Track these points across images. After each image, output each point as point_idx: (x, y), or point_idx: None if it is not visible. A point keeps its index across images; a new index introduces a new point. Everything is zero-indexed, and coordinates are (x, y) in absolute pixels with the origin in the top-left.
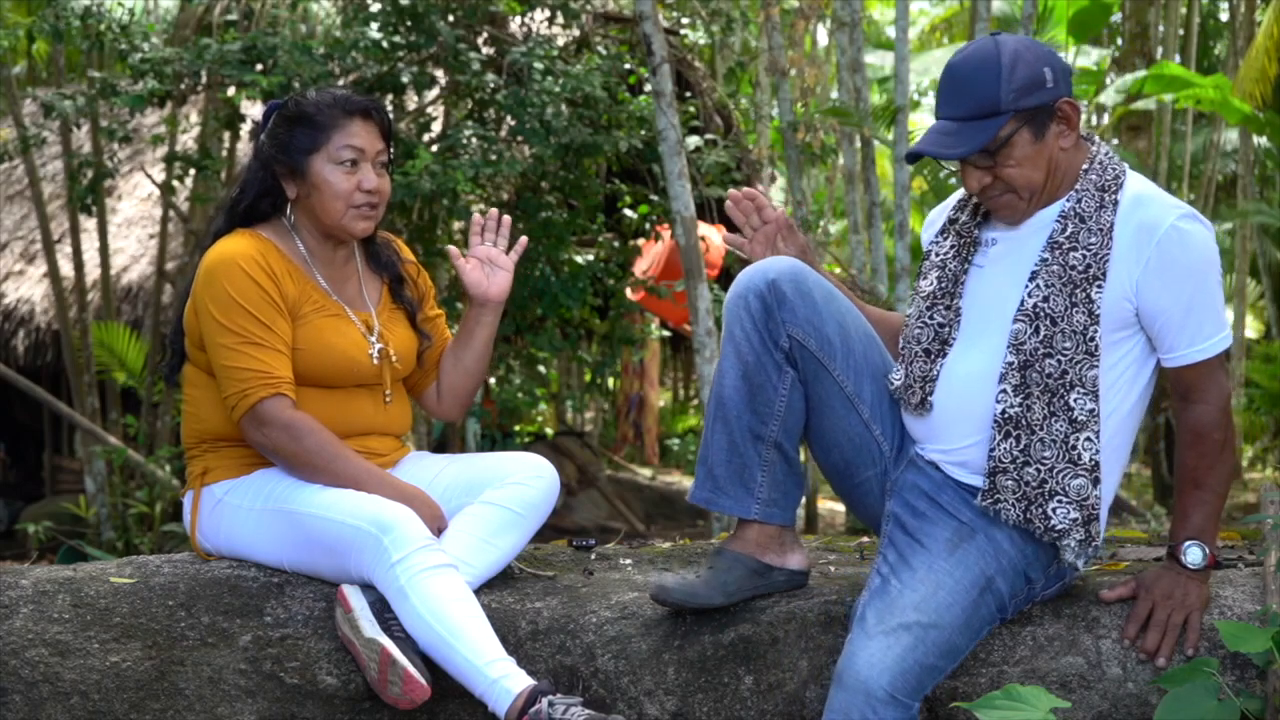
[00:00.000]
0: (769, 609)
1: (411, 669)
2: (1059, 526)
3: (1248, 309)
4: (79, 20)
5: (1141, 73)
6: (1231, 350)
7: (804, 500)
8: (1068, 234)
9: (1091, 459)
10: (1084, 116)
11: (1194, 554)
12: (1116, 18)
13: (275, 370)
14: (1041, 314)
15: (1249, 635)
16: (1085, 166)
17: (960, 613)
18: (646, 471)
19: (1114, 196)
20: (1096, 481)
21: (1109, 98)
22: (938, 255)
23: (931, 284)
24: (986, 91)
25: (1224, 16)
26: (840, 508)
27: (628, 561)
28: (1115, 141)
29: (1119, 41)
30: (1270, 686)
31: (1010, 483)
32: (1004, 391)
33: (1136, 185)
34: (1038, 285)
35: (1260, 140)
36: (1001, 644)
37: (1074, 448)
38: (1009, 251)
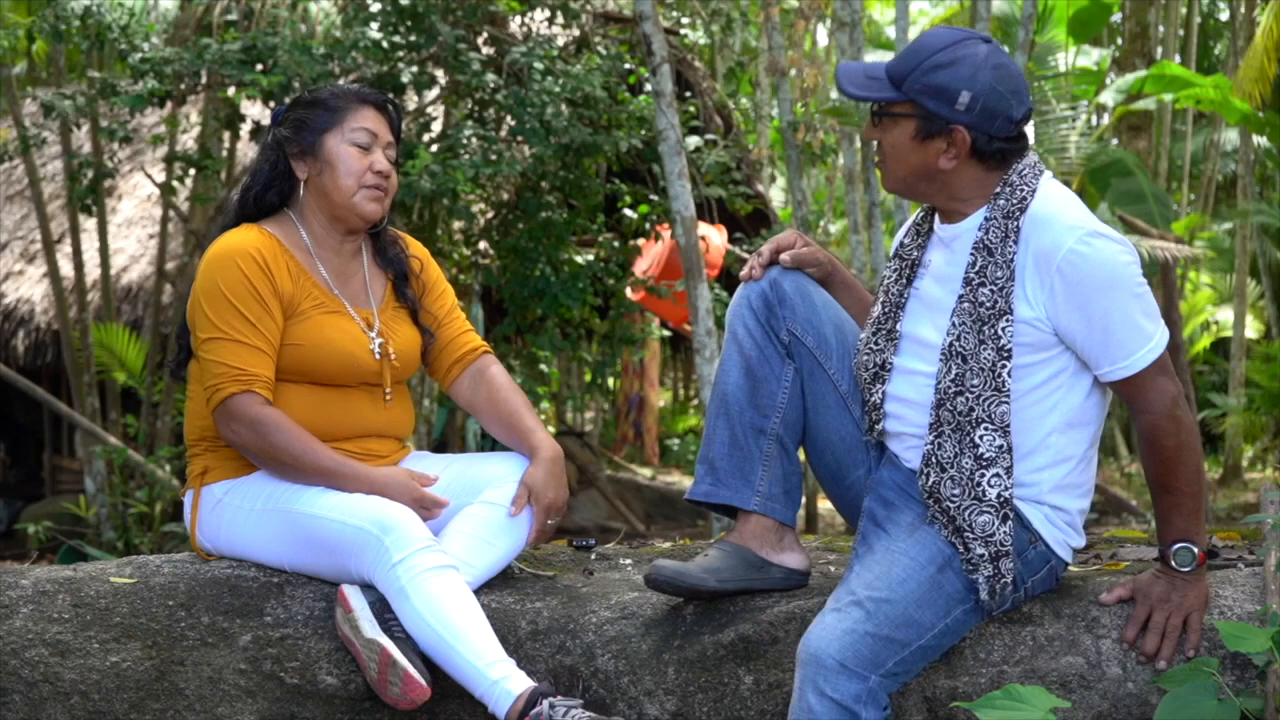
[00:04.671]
0: (769, 609)
1: (411, 669)
2: (970, 560)
3: (1248, 309)
4: (79, 20)
5: (1141, 73)
6: (1233, 349)
7: (804, 500)
8: (978, 269)
9: (999, 495)
10: (1084, 117)
11: (1183, 556)
12: (1116, 18)
13: (249, 368)
14: (954, 353)
15: (1249, 635)
16: (997, 189)
17: (916, 587)
18: (646, 471)
19: (1016, 224)
20: (1005, 519)
21: (1109, 98)
22: (885, 280)
23: (878, 309)
24: (904, 64)
25: (1224, 16)
26: None
27: (628, 561)
28: (1115, 142)
29: (1119, 41)
30: (1270, 686)
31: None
32: (924, 427)
33: (1040, 207)
34: (954, 323)
35: (1260, 140)
36: (1001, 644)
37: (979, 485)
38: (939, 276)
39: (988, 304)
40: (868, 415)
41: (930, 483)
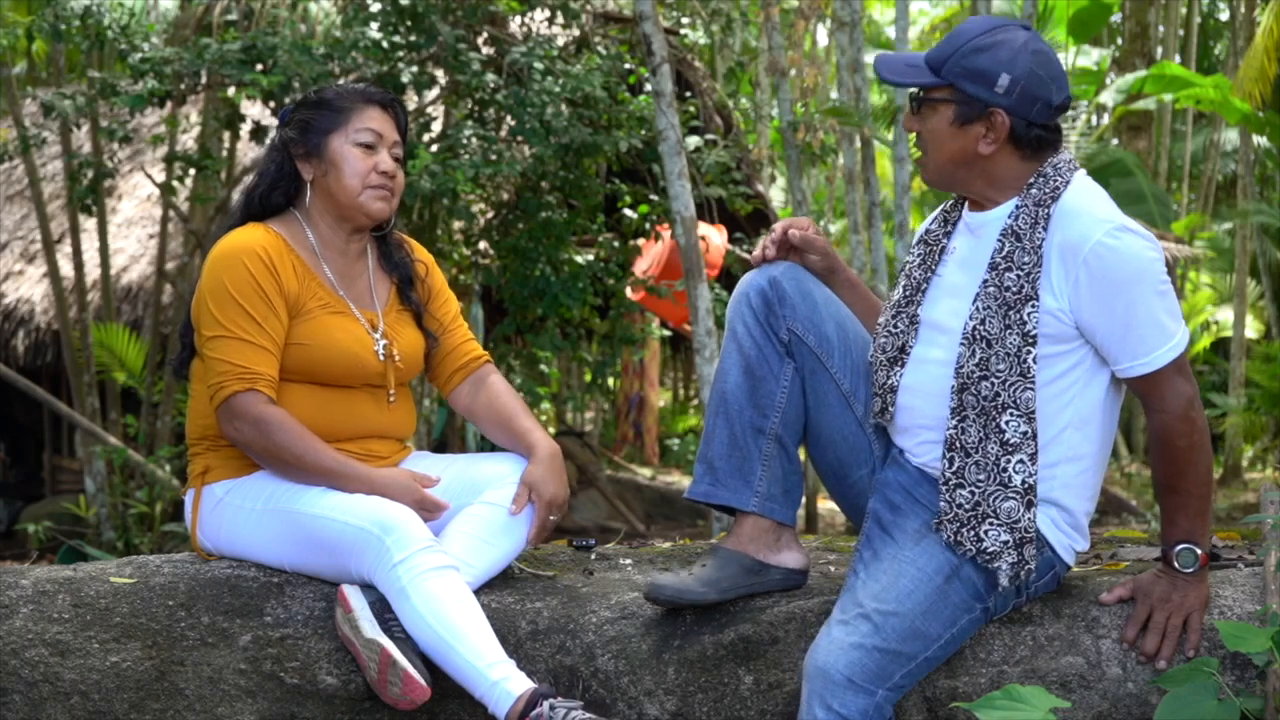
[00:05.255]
0: (769, 609)
1: (411, 670)
2: (990, 549)
3: (1248, 309)
4: (79, 20)
5: (1141, 73)
6: (1233, 349)
7: (804, 500)
8: (1005, 254)
9: (1024, 482)
10: (1084, 117)
11: (1186, 557)
12: (1116, 18)
13: (253, 366)
14: (979, 337)
15: (1249, 635)
16: (1031, 180)
17: (923, 599)
18: (646, 471)
19: (1047, 212)
20: (1030, 505)
21: (1109, 98)
22: (908, 264)
23: (898, 292)
24: (943, 50)
25: (1224, 16)
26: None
27: (628, 561)
28: (1115, 142)
29: (1119, 41)
30: (1270, 686)
31: (944, 504)
32: (947, 413)
33: (1071, 199)
34: (977, 308)
35: (1260, 140)
36: (1001, 644)
37: (1005, 470)
38: (963, 262)
39: (1014, 289)
40: (880, 398)
41: (955, 468)
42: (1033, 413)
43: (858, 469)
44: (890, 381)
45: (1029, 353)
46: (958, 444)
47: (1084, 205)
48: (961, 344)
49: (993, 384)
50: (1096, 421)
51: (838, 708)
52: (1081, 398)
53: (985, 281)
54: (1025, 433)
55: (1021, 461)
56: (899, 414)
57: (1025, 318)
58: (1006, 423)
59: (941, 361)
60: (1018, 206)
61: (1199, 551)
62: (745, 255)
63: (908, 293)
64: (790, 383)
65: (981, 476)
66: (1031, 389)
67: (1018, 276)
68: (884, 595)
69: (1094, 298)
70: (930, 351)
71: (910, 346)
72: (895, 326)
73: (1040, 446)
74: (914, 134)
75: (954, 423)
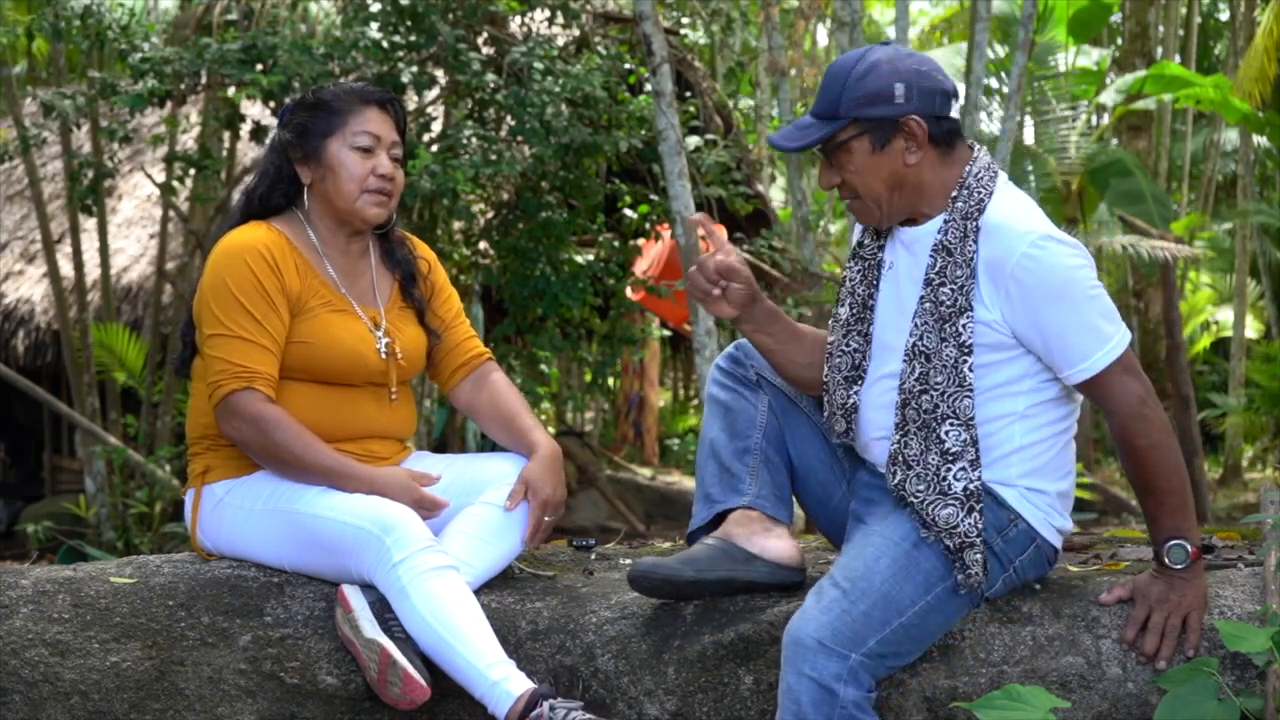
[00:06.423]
0: (769, 609)
1: (411, 670)
2: None
3: (1248, 309)
4: (79, 20)
5: (1141, 73)
6: (1233, 349)
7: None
8: (938, 269)
9: (965, 489)
10: (1084, 117)
11: (1176, 553)
12: (1116, 18)
13: (251, 365)
14: (918, 352)
15: (1249, 635)
16: (955, 193)
17: (890, 563)
18: (646, 471)
19: (975, 224)
20: (970, 510)
21: (1109, 98)
22: (849, 281)
23: (846, 310)
24: (831, 94)
25: (1224, 16)
26: None
27: (628, 561)
28: (1115, 142)
29: (1119, 41)
30: (1270, 686)
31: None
32: (892, 429)
33: (995, 212)
34: (916, 324)
35: (1260, 140)
36: (1001, 644)
37: (944, 479)
38: (902, 278)
39: (948, 303)
40: (841, 418)
41: (896, 481)
42: (972, 419)
43: (838, 489)
44: (850, 401)
45: (965, 362)
46: (900, 458)
47: (1007, 218)
48: (904, 360)
49: (932, 396)
50: (1048, 408)
51: (809, 671)
52: (1030, 394)
53: (922, 298)
54: (965, 440)
55: (963, 469)
56: (861, 431)
57: (960, 329)
58: (946, 432)
59: (891, 375)
60: (946, 221)
61: (1189, 547)
62: (745, 255)
63: (855, 310)
64: (766, 408)
65: (921, 488)
66: (970, 397)
67: (952, 290)
68: (852, 565)
69: (1026, 310)
70: (883, 368)
71: (865, 364)
72: (848, 345)
73: (992, 444)
74: (837, 187)
75: (897, 437)
